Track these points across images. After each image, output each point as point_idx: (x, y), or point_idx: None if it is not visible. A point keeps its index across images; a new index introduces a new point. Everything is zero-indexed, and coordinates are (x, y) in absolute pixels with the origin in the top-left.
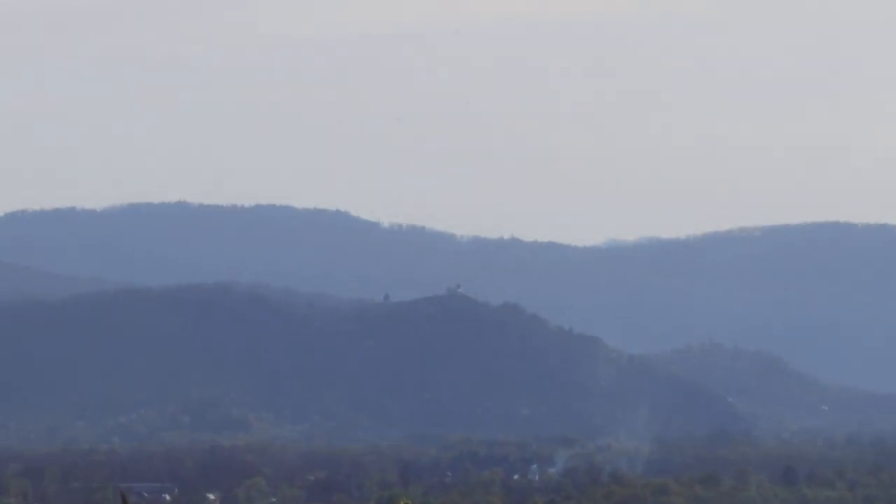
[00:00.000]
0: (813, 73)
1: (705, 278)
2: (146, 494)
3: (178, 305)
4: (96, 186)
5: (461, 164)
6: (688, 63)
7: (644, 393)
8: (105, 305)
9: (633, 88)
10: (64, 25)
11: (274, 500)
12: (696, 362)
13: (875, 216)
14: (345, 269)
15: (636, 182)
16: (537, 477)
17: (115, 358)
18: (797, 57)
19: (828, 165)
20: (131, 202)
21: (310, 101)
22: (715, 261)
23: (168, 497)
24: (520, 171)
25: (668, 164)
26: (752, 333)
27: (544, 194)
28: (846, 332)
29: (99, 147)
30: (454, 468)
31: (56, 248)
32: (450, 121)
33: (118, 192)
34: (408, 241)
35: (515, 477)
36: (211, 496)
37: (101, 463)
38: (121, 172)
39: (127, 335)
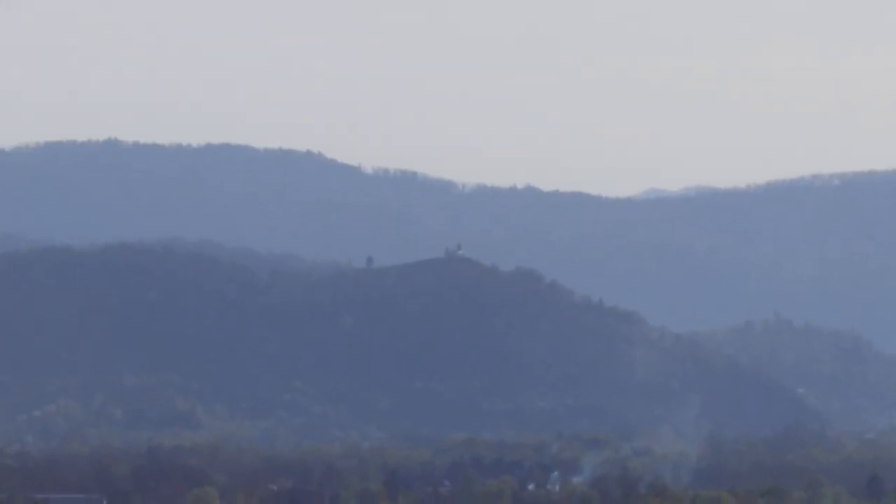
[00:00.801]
0: None
1: (770, 238)
2: None
3: (108, 270)
4: (7, 124)
5: (464, 94)
6: None
7: (692, 383)
8: (15, 268)
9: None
10: None
11: None
12: (758, 344)
13: None
14: (317, 225)
15: (683, 116)
16: (558, 487)
17: (27, 335)
18: None
19: None
20: (48, 140)
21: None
22: (782, 216)
23: None
24: (535, 103)
25: (721, 96)
26: (828, 308)
27: (567, 131)
28: None
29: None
30: (453, 476)
31: None
32: (448, 38)
33: (33, 130)
34: (396, 191)
35: (531, 487)
36: None
37: (9, 468)
38: (36, 106)
39: (43, 306)
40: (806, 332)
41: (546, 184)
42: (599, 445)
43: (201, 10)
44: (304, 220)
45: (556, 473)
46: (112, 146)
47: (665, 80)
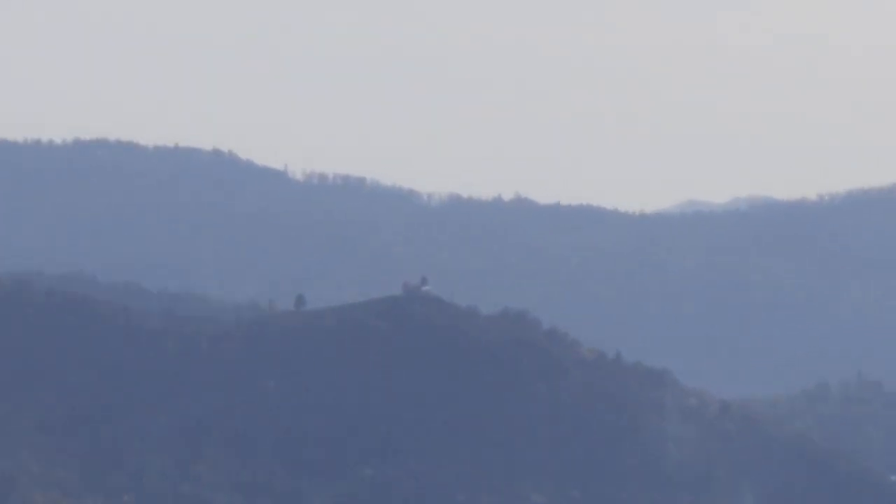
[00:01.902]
0: None
1: (852, 267)
2: None
3: None
4: None
5: (431, 77)
6: None
7: (745, 468)
8: None
9: None
10: None
11: None
12: (835, 415)
13: None
14: (228, 251)
15: (731, 110)
16: None
17: None
18: None
19: None
20: None
21: None
22: (865, 238)
23: None
24: (530, 96)
25: (779, 90)
26: None
27: (571, 124)
28: None
29: None
30: None
31: None
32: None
33: None
34: (337, 203)
35: None
36: None
37: None
38: None
39: None
40: None
41: (542, 194)
42: None
43: None
44: (208, 244)
45: None
46: None
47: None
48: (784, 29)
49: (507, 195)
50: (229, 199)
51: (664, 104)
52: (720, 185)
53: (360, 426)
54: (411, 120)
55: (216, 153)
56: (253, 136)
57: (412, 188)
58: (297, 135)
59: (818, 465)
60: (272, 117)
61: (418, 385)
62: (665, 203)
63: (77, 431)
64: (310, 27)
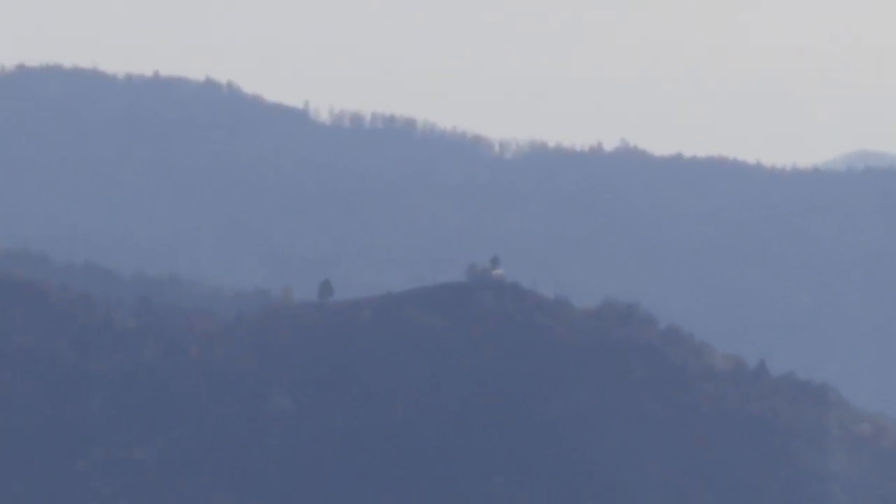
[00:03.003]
0: None
1: None
2: None
3: None
4: None
5: None
6: None
7: None
8: None
9: None
10: None
11: None
12: None
13: None
14: (225, 222)
15: None
16: None
17: None
18: None
19: None
20: None
21: None
22: None
23: None
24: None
25: None
26: None
27: (690, 67)
28: None
29: None
30: None
31: None
32: None
33: None
34: (378, 156)
35: None
36: None
37: None
38: None
39: None
40: None
41: (658, 142)
42: None
43: None
44: (200, 211)
45: None
46: None
47: None
48: None
49: (610, 143)
50: (228, 149)
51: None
52: None
53: (406, 458)
54: (477, 43)
55: (210, 85)
56: (261, 63)
57: (479, 134)
58: (321, 61)
59: None
60: (287, 37)
61: (488, 403)
62: (826, 154)
63: (19, 467)
64: None
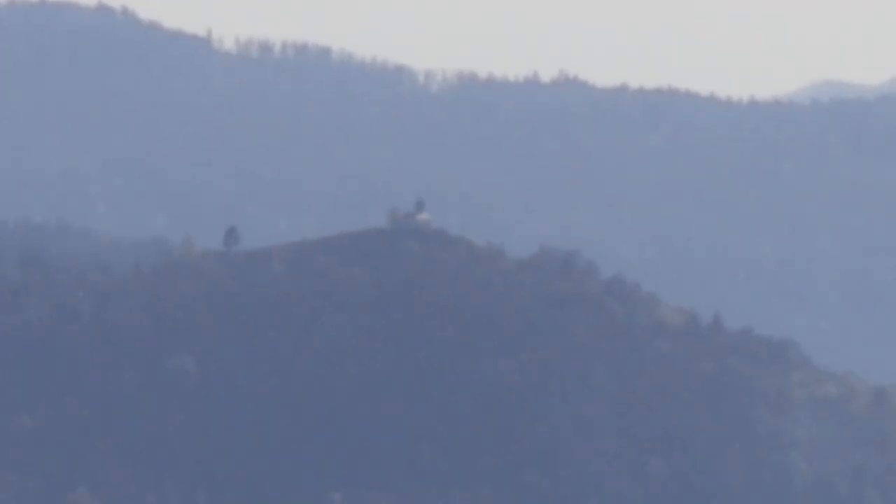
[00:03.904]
0: None
1: None
2: None
3: None
4: None
5: None
6: None
7: None
8: None
9: None
10: None
11: None
12: None
13: None
14: (118, 162)
15: None
16: None
17: None
18: None
19: None
20: None
21: None
22: None
23: None
24: None
25: None
26: None
27: None
28: None
29: None
30: None
31: None
32: None
33: None
34: (288, 88)
35: None
36: None
37: None
38: None
39: None
40: None
41: (600, 72)
42: None
43: None
44: (89, 149)
45: None
46: None
47: None
48: None
49: (548, 74)
50: (123, 82)
51: None
52: (872, 61)
53: (323, 429)
54: None
55: (102, 10)
56: None
57: (402, 64)
58: None
59: None
60: None
61: (414, 364)
62: (789, 86)
63: None
64: None
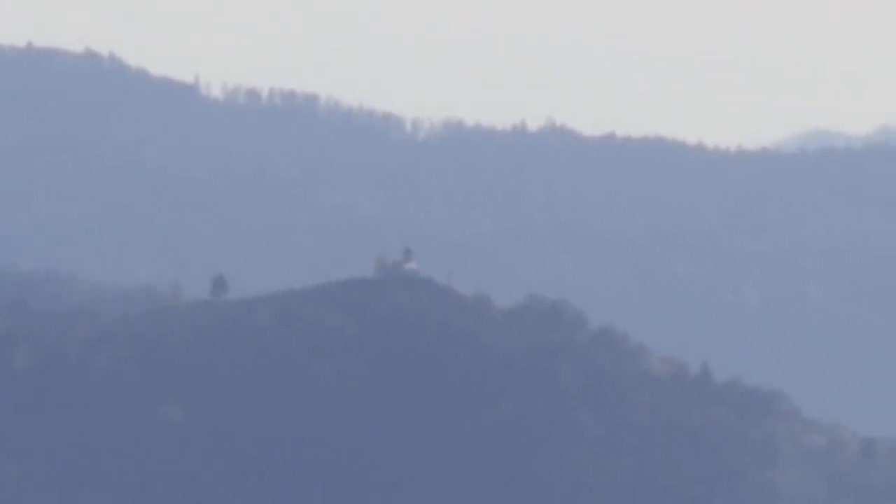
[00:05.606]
0: None
1: None
2: None
3: None
4: None
5: None
6: None
7: None
8: None
9: None
10: None
11: None
12: None
13: None
14: (107, 211)
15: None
16: None
17: None
18: None
19: None
20: None
21: None
22: None
23: None
24: None
25: None
26: None
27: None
28: None
29: None
30: None
31: None
32: None
33: None
34: (276, 135)
35: None
36: None
37: None
38: None
39: None
40: None
41: (587, 121)
42: None
43: None
44: (78, 198)
45: None
46: None
47: None
48: None
49: (535, 123)
50: (109, 127)
51: None
52: (859, 110)
53: (310, 474)
54: (385, 11)
55: (89, 57)
56: (146, 33)
57: (389, 112)
58: (213, 31)
59: None
60: (175, 3)
61: (400, 414)
62: (776, 134)
63: None
64: None
